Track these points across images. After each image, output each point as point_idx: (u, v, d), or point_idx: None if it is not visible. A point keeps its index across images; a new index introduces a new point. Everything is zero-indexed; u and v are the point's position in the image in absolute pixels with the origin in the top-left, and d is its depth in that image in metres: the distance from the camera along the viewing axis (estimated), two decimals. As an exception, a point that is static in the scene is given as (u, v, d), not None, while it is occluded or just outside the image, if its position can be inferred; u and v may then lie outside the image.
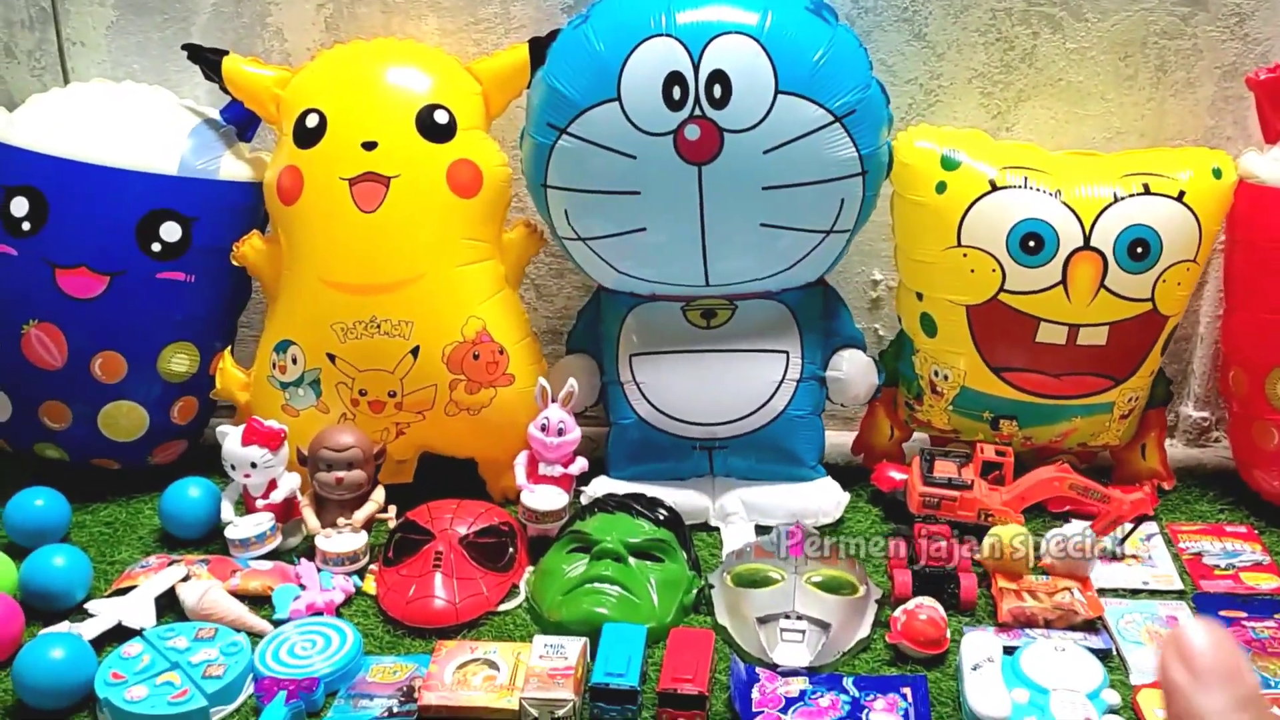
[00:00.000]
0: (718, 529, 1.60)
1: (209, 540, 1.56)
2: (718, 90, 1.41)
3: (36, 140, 1.56)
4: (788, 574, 1.39)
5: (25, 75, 1.76)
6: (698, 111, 1.42)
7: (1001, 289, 1.50)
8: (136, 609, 1.36)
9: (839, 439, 1.76)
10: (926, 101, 1.68)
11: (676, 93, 1.42)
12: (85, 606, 1.38)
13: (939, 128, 1.58)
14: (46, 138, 1.56)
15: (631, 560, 1.39)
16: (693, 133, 1.43)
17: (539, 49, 1.56)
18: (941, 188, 1.51)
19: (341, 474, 1.48)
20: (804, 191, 1.47)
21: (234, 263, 1.61)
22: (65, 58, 1.75)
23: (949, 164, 1.51)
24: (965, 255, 1.51)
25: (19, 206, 1.55)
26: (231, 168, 1.62)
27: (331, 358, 1.55)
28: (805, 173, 1.46)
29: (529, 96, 1.55)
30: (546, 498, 1.52)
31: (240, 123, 1.66)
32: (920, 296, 1.59)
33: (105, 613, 1.36)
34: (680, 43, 1.41)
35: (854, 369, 1.63)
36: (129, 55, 1.74)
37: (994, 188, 1.49)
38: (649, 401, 1.59)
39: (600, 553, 1.39)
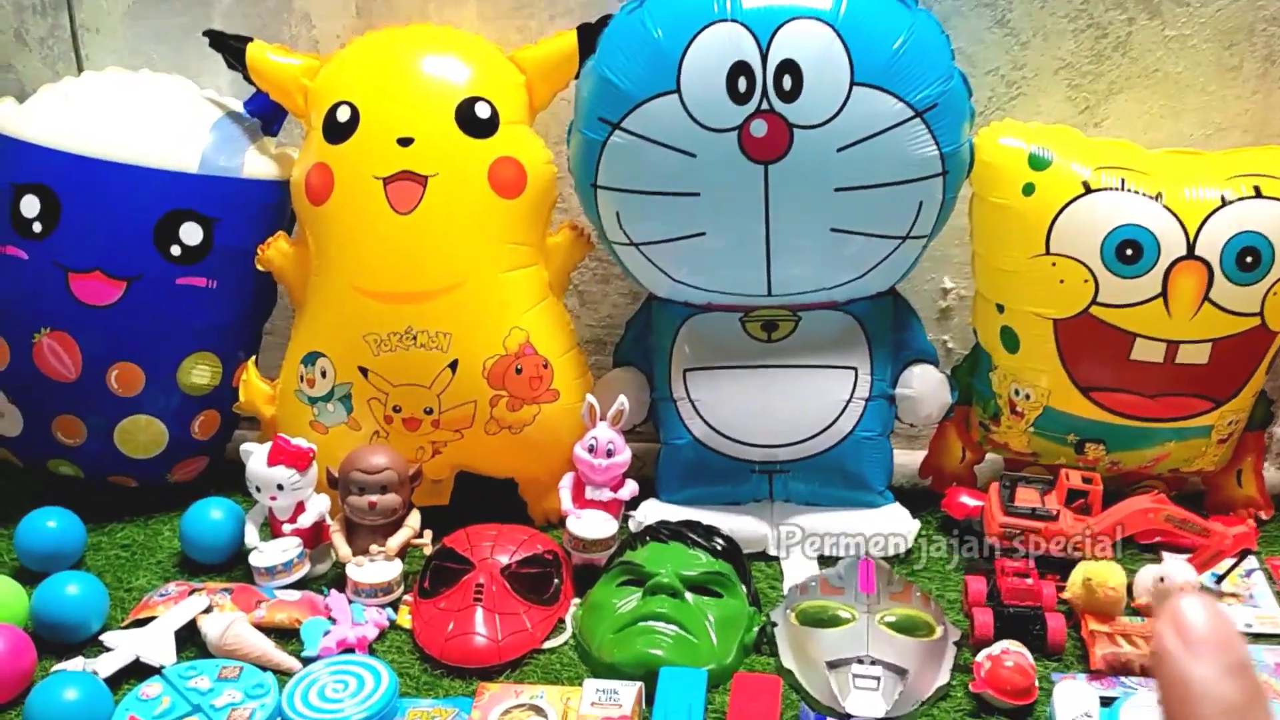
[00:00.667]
0: (777, 559, 1.51)
1: (232, 565, 1.49)
2: (787, 82, 1.32)
3: (47, 134, 1.48)
4: (859, 613, 1.30)
5: (37, 63, 1.69)
6: (765, 105, 1.33)
7: (1094, 301, 1.41)
8: (155, 644, 1.29)
9: (903, 459, 1.66)
10: (1008, 94, 1.58)
11: (742, 84, 1.32)
12: (101, 639, 1.31)
13: (1025, 123, 1.47)
14: (58, 132, 1.48)
15: (688, 595, 1.31)
16: (759, 129, 1.34)
17: (589, 36, 1.47)
18: (1029, 189, 1.41)
19: (375, 498, 1.40)
20: (879, 193, 1.38)
21: (258, 267, 1.53)
22: (79, 44, 1.67)
23: (1038, 163, 1.41)
24: (1054, 264, 1.41)
25: (29, 206, 1.47)
26: (256, 164, 1.54)
27: (364, 371, 1.47)
28: (881, 173, 1.37)
29: (578, 88, 1.46)
30: (594, 525, 1.44)
31: (266, 115, 1.58)
32: (1001, 309, 1.49)
33: (122, 647, 1.28)
34: (747, 29, 1.32)
35: (926, 386, 1.54)
36: (146, 42, 1.66)
37: (1088, 190, 1.39)
38: (704, 420, 1.50)
39: (654, 587, 1.31)
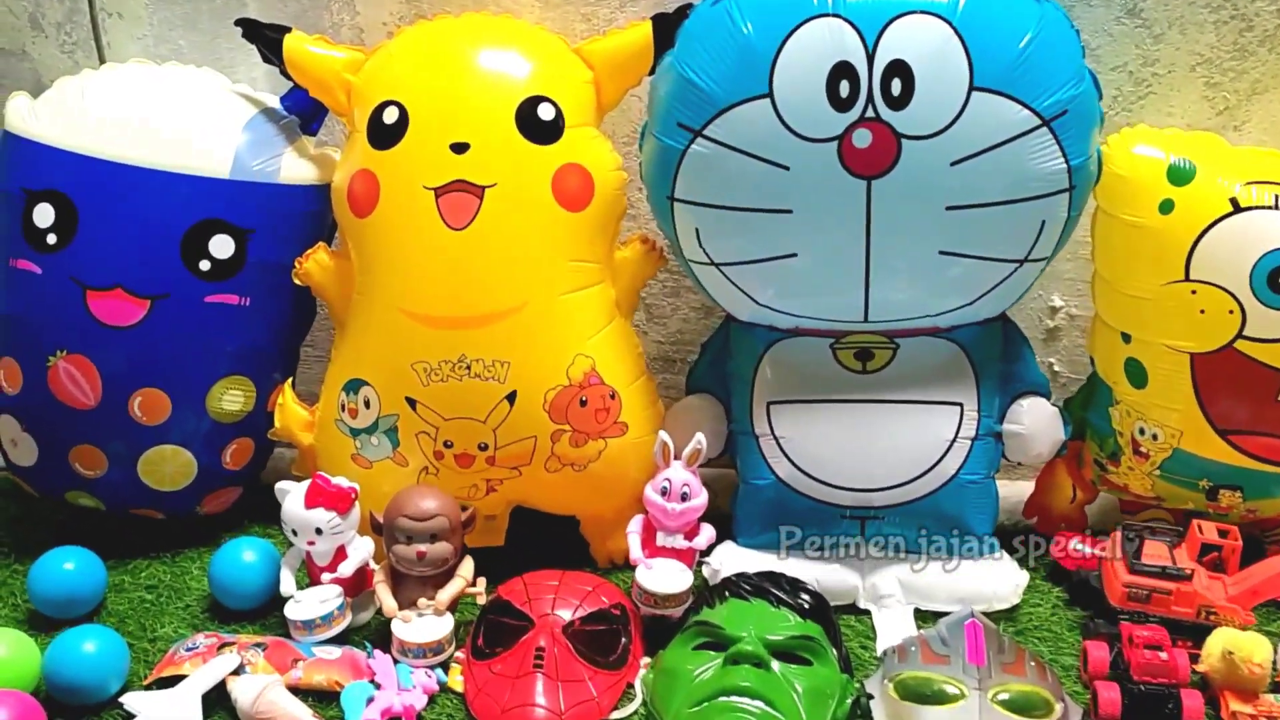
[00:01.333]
0: (868, 612, 1.39)
1: (266, 611, 1.39)
2: (896, 86, 1.19)
3: (62, 135, 1.38)
4: (969, 688, 1.18)
5: (54, 51, 1.58)
6: (870, 113, 1.20)
7: (1239, 335, 1.27)
8: (181, 710, 1.19)
9: (1004, 490, 1.52)
10: (1136, 93, 1.44)
11: (844, 88, 1.19)
12: (121, 700, 1.20)
13: (1161, 130, 1.33)
14: (74, 132, 1.37)
15: (774, 664, 1.19)
16: (863, 139, 1.21)
17: (665, 28, 1.34)
18: (1167, 207, 1.27)
19: (424, 547, 1.29)
20: (996, 212, 1.25)
21: (296, 282, 1.42)
22: (100, 31, 1.56)
23: (1179, 176, 1.27)
24: (1194, 292, 1.27)
25: (43, 216, 1.37)
26: (294, 168, 1.43)
27: (411, 403, 1.36)
28: (1000, 189, 1.23)
29: (652, 87, 1.33)
30: (667, 578, 1.32)
31: (304, 112, 1.46)
32: (1127, 338, 1.35)
33: (144, 714, 1.18)
34: (851, 25, 1.19)
35: (1037, 422, 1.41)
36: (174, 29, 1.55)
37: (1237, 208, 1.25)
38: (790, 460, 1.38)
39: (737, 655, 1.19)
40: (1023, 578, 1.39)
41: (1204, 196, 1.27)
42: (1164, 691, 1.19)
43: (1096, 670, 1.24)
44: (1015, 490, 1.55)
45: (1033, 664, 1.24)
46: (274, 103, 1.46)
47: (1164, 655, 1.21)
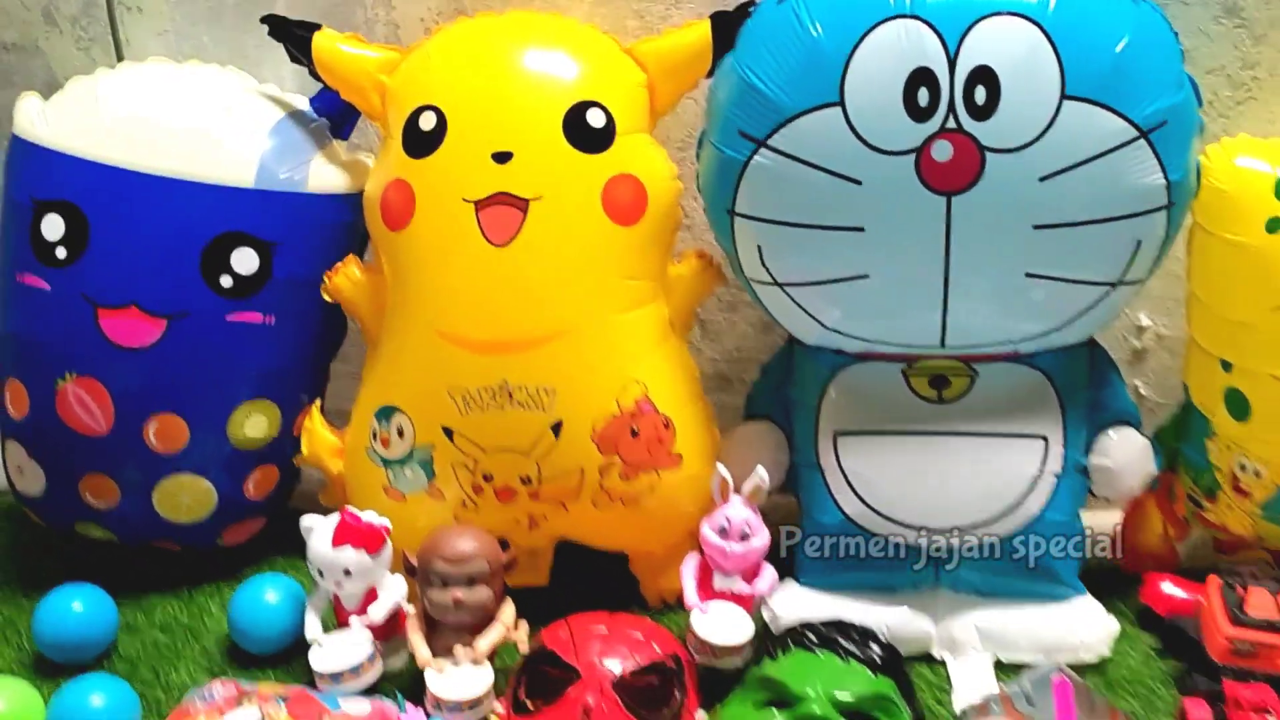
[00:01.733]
0: (943, 662, 1.30)
1: (290, 655, 1.31)
2: (980, 94, 1.10)
3: (74, 141, 1.31)
4: (1061, 757, 1.09)
5: (69, 47, 1.51)
6: (951, 123, 1.11)
7: (1356, 366, 1.17)
8: (198, 768, 1.11)
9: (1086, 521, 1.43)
10: (1235, 98, 1.35)
11: (923, 96, 1.11)
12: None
13: (1265, 140, 1.24)
14: (87, 137, 1.30)
15: (844, 724, 1.10)
16: (943, 151, 1.12)
17: (725, 28, 1.25)
18: (1275, 225, 1.18)
19: (461, 593, 1.21)
20: (1088, 232, 1.16)
21: (325, 298, 1.34)
22: (118, 26, 1.49)
23: (1290, 193, 1.18)
24: (1305, 318, 1.18)
25: (52, 228, 1.30)
26: (323, 176, 1.35)
27: (449, 432, 1.27)
28: (1093, 206, 1.15)
29: (711, 91, 1.25)
30: (726, 626, 1.24)
31: (335, 115, 1.39)
32: (1227, 366, 1.26)
33: (159, 771, 1.11)
34: (930, 27, 1.11)
35: (1127, 456, 1.32)
36: (196, 24, 1.47)
37: (1355, 228, 1.16)
38: (859, 496, 1.29)
39: (804, 717, 1.10)
40: (1113, 626, 1.30)
41: (1318, 215, 1.17)
42: (1274, 760, 1.10)
43: (1197, 734, 1.15)
44: (1098, 521, 1.45)
45: (1126, 723, 1.15)
46: (303, 105, 1.38)
47: (1272, 718, 1.12)
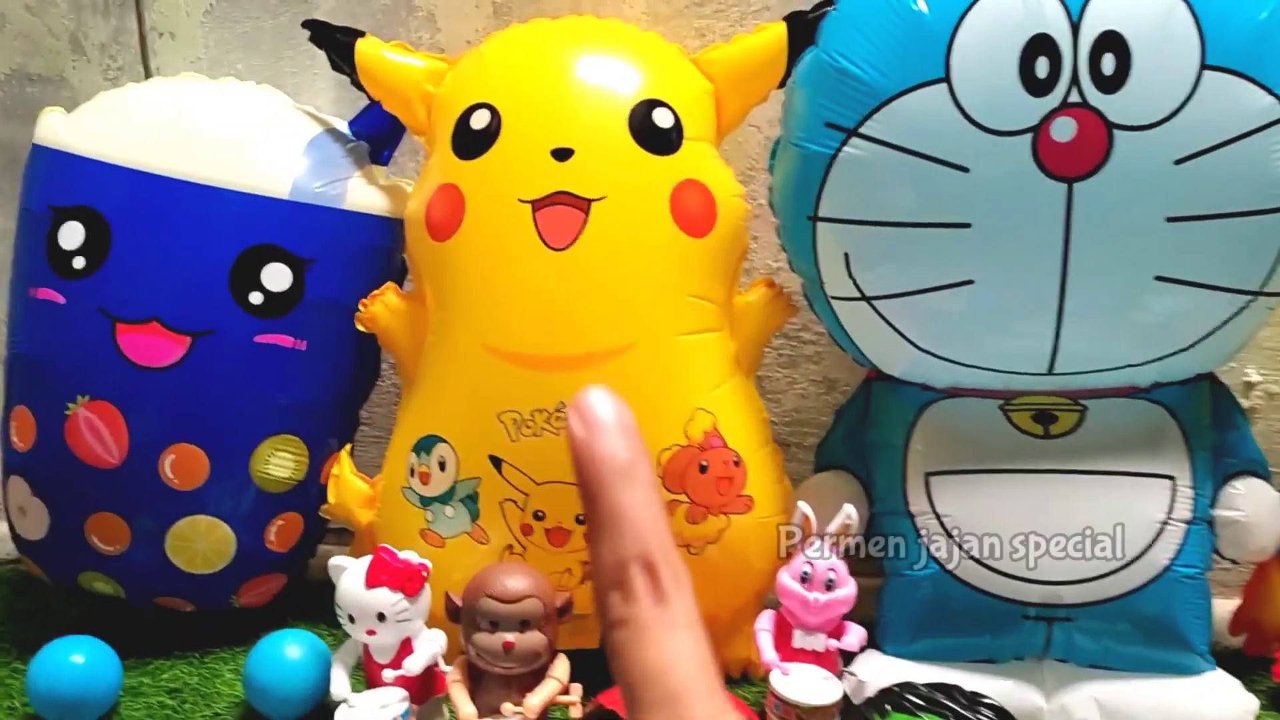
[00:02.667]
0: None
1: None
2: (1108, 63, 0.95)
3: (98, 145, 1.18)
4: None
5: (96, 77, 1.40)
6: (1075, 97, 0.96)
7: None
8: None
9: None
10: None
11: (1042, 67, 0.96)
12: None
13: None
14: (112, 142, 1.18)
15: (959, 799, 0.90)
16: (1064, 130, 0.97)
17: (803, 29, 1.12)
18: None
19: (511, 637, 1.02)
20: (1229, 226, 0.99)
21: (360, 327, 1.19)
22: (149, 53, 1.38)
23: None
24: None
25: (71, 236, 1.16)
26: (361, 195, 1.21)
27: (497, 463, 1.10)
28: (1235, 196, 0.98)
29: (788, 97, 1.11)
30: (811, 686, 1.04)
31: (376, 138, 1.26)
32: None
33: None
34: (1048, -8, 0.95)
35: (1259, 508, 1.12)
36: (231, 51, 1.36)
37: None
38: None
39: (914, 786, 0.90)
40: (1252, 702, 1.08)
41: None
42: None
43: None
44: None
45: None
46: (341, 125, 1.25)
47: None
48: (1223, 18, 0.94)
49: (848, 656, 1.12)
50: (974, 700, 1.00)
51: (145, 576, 1.21)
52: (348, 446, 1.23)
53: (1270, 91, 0.95)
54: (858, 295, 1.08)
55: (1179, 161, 0.97)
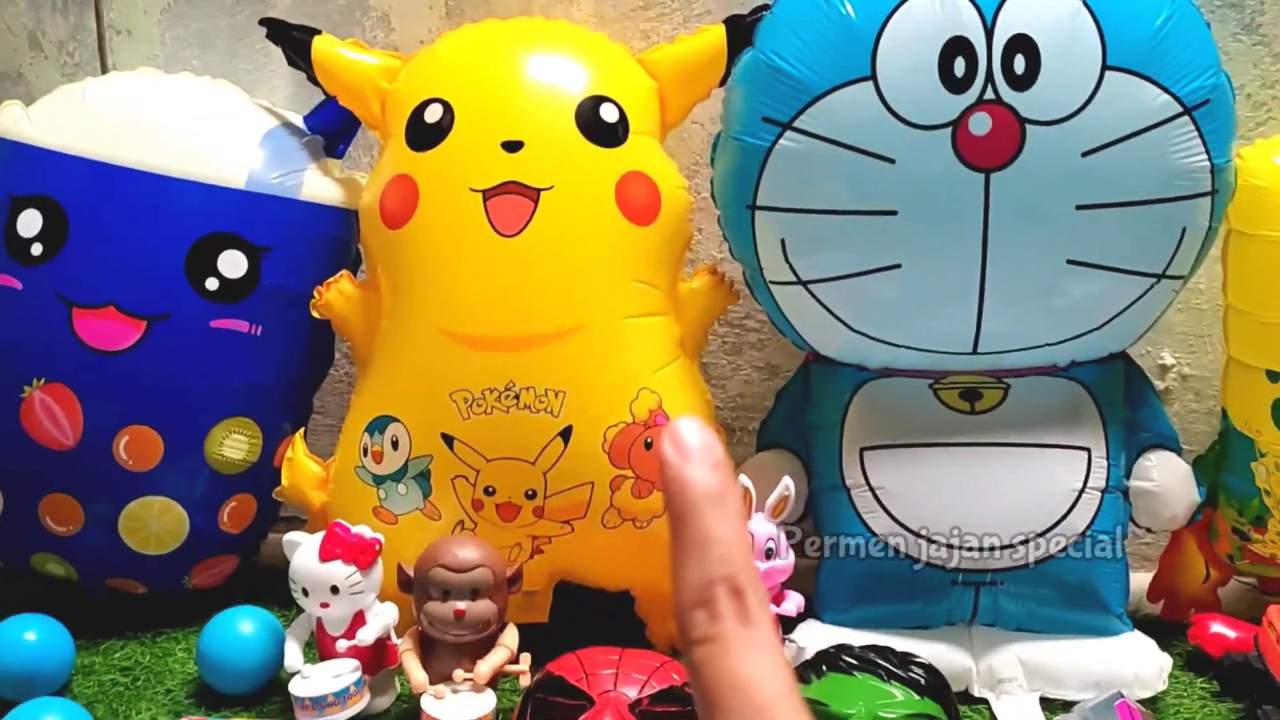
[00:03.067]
0: (984, 701, 1.15)
1: (265, 697, 1.15)
2: (1019, 63, 1.04)
3: (57, 137, 1.21)
4: (1135, 781, 0.94)
5: (54, 74, 1.43)
6: (990, 94, 1.04)
7: None
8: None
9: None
10: (1254, 118, 1.29)
11: (960, 67, 1.04)
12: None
13: (1299, 141, 1.18)
14: (70, 133, 1.21)
15: (891, 748, 0.95)
16: (981, 124, 1.04)
17: (741, 31, 1.19)
18: (1321, 217, 1.10)
19: (463, 605, 1.06)
20: (1133, 214, 1.08)
21: (315, 314, 1.23)
22: (106, 51, 1.41)
23: (1331, 183, 1.11)
24: (1359, 311, 1.09)
25: (28, 224, 1.19)
26: (316, 186, 1.25)
27: (449, 440, 1.15)
28: (1137, 186, 1.07)
29: (728, 94, 1.17)
30: (751, 649, 1.08)
31: (330, 132, 1.30)
32: (1274, 376, 1.16)
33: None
34: (966, -4, 1.04)
35: (1170, 479, 1.20)
36: (188, 48, 1.40)
37: (1402, 218, 1.09)
38: (889, 513, 1.16)
39: (847, 738, 0.95)
40: (1167, 660, 1.16)
41: (1362, 204, 1.10)
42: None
43: (1277, 764, 1.01)
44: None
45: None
46: (297, 120, 1.30)
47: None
48: (1122, 23, 1.03)
49: (788, 625, 1.18)
50: (905, 660, 1.06)
51: (98, 557, 1.23)
52: (301, 430, 1.26)
53: (1166, 90, 1.04)
54: (794, 280, 1.15)
55: (1086, 154, 1.05)
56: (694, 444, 0.37)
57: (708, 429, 0.37)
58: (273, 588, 1.25)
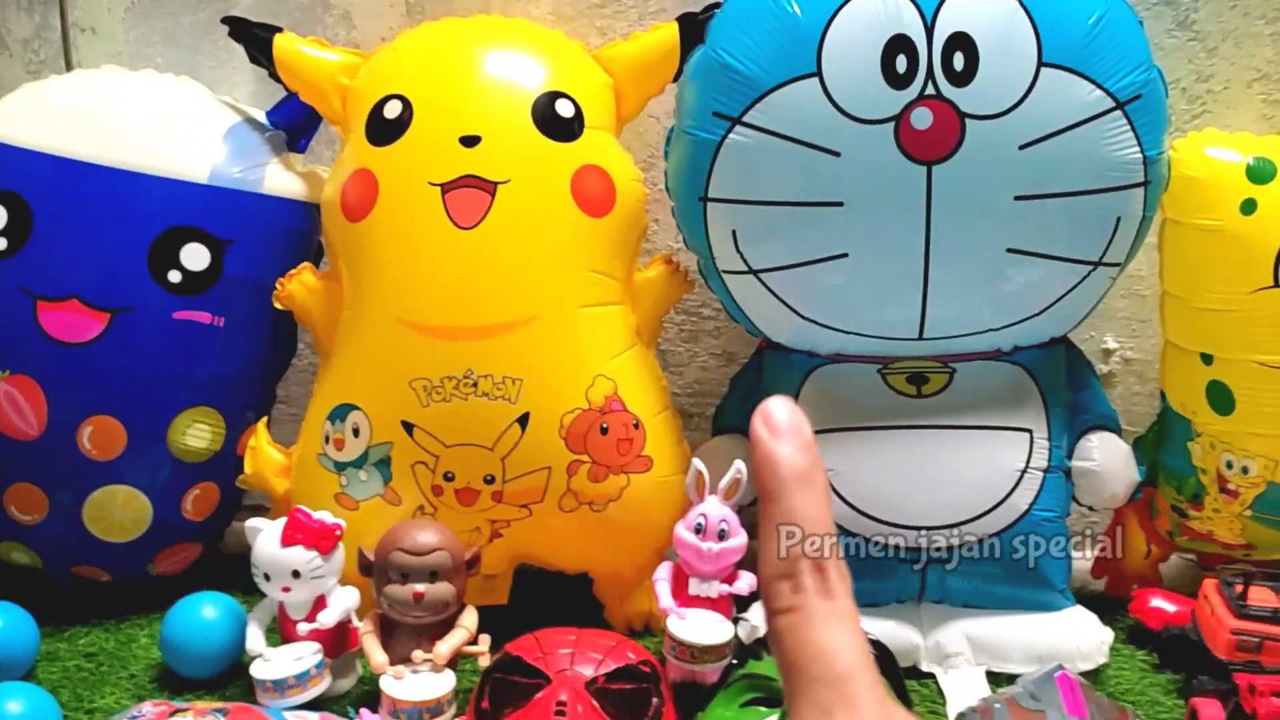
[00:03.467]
0: (931, 675, 1.19)
1: (228, 681, 1.17)
2: (959, 60, 1.07)
3: (20, 132, 1.23)
4: (1075, 746, 0.98)
5: (19, 71, 1.44)
6: (930, 90, 1.08)
7: (1340, 343, 1.13)
8: (121, 783, 0.96)
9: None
10: (1190, 111, 1.34)
11: (901, 63, 1.08)
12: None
13: (1231, 134, 1.22)
14: (34, 129, 1.22)
15: None
16: (923, 119, 1.08)
17: (693, 29, 1.22)
18: (1249, 206, 1.15)
19: (422, 587, 1.09)
20: (1070, 205, 1.12)
21: (277, 305, 1.25)
22: (71, 48, 1.43)
23: (1260, 174, 1.16)
24: (1286, 298, 1.14)
25: (-7, 219, 1.20)
26: (278, 180, 1.28)
27: (408, 428, 1.17)
28: (1073, 178, 1.11)
29: (680, 89, 1.21)
30: (704, 628, 1.12)
31: (292, 127, 1.32)
32: (1208, 359, 1.21)
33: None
34: (907, -4, 1.07)
35: (1111, 459, 1.24)
36: (151, 46, 1.42)
37: (1327, 206, 1.13)
38: (839, 495, 1.20)
39: (795, 711, 0.98)
40: (1107, 634, 1.20)
41: (1289, 193, 1.15)
42: (1300, 745, 1.01)
43: (1214, 732, 1.06)
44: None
45: (1138, 722, 1.05)
46: (259, 116, 1.32)
47: (1293, 702, 1.03)
48: (1056, 21, 1.07)
49: (742, 604, 1.21)
50: (852, 638, 1.09)
51: (63, 545, 1.25)
52: (264, 419, 1.29)
53: (1099, 86, 1.08)
54: (746, 269, 1.18)
55: (1023, 147, 1.09)
56: (784, 423, 0.38)
57: (798, 409, 0.38)
58: (236, 575, 1.27)
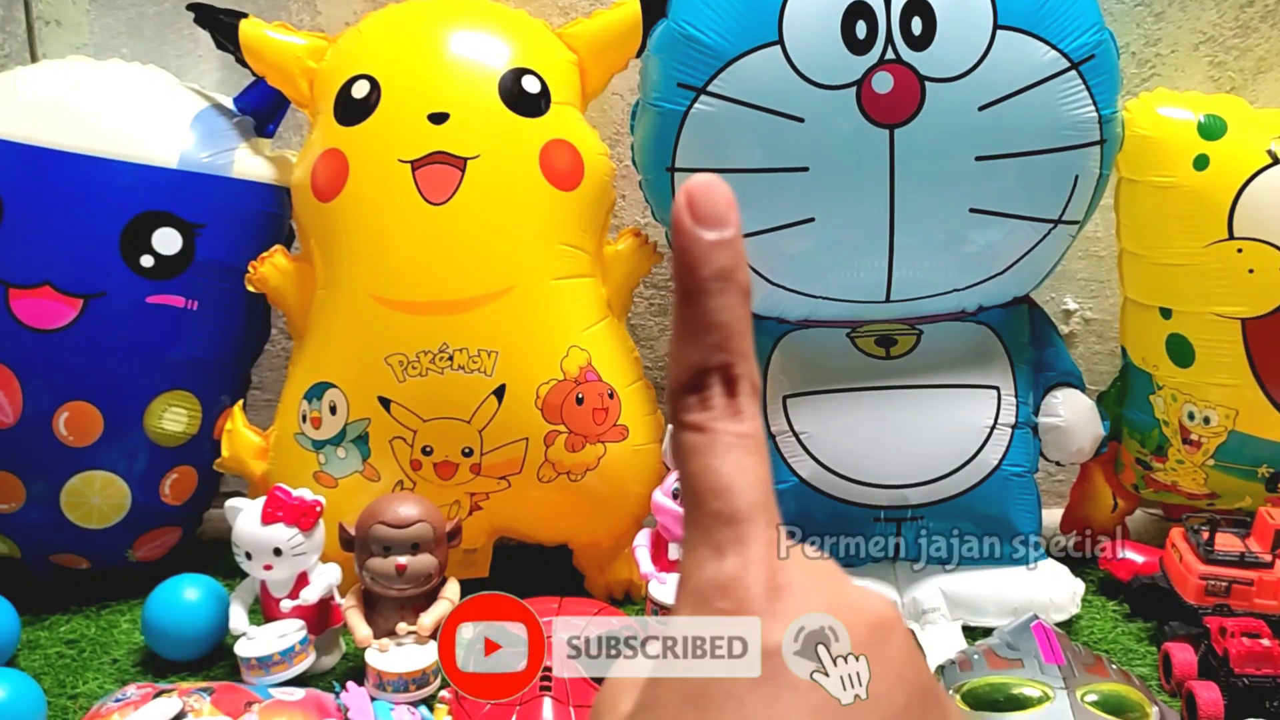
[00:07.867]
0: (910, 632, 1.18)
1: (211, 662, 1.15)
2: (917, 24, 1.07)
3: (-10, 121, 1.19)
4: (1054, 689, 0.98)
5: (-18, 63, 1.40)
6: (890, 54, 1.08)
7: (1294, 293, 1.14)
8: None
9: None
10: (1140, 74, 1.34)
11: (861, 29, 1.07)
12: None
13: (1182, 93, 1.23)
14: (2, 120, 1.19)
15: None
16: (884, 83, 1.08)
17: (654, 4, 1.21)
18: (1202, 162, 1.16)
19: (404, 560, 1.07)
20: (1029, 164, 1.12)
21: (249, 287, 1.23)
22: (36, 41, 1.39)
23: (1211, 131, 1.16)
24: (1240, 250, 1.15)
25: (-37, 207, 1.17)
26: (248, 164, 1.26)
27: (385, 403, 1.16)
28: (1031, 137, 1.11)
29: (644, 63, 1.20)
30: (685, 591, 1.11)
31: (260, 113, 1.30)
32: (1167, 313, 1.21)
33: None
34: (864, -37, 1.07)
35: (1076, 414, 1.24)
36: (117, 37, 1.39)
37: (1276, 160, 1.14)
38: (813, 457, 1.19)
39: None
40: (1079, 585, 1.20)
41: (1240, 149, 1.16)
42: (1272, 683, 1.01)
43: (1184, 672, 1.06)
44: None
45: (1114, 668, 1.05)
46: (227, 102, 1.30)
47: (1266, 643, 1.03)
48: (1010, -15, 1.07)
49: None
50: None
51: (41, 533, 1.22)
52: (240, 402, 1.26)
53: (1054, 47, 1.09)
54: (713, 240, 1.17)
55: (982, 108, 1.09)
56: (710, 207, 0.33)
57: (729, 189, 0.34)
58: (216, 560, 1.26)
